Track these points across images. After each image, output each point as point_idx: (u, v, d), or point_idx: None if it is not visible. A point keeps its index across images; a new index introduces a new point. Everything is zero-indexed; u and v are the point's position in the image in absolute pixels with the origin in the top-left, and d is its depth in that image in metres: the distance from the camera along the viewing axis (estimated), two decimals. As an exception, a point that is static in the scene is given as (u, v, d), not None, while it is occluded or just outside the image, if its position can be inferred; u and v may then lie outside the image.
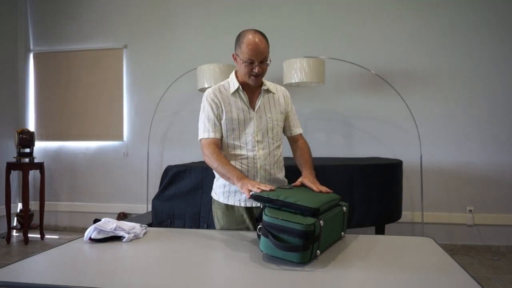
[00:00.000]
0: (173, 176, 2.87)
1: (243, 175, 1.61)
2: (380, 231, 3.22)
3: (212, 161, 1.69)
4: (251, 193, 1.47)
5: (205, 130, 1.75)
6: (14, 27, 4.77)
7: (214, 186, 1.89)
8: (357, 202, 2.83)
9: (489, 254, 3.74)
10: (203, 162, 3.41)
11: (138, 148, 4.58)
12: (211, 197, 1.90)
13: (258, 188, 1.47)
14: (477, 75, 3.95)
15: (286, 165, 1.93)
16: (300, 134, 1.93)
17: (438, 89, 4.00)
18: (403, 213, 3.25)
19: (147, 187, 4.41)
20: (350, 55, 3.98)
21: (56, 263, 1.34)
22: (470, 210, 3.93)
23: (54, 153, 4.82)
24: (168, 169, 2.90)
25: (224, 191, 1.81)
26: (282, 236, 1.29)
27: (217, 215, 1.84)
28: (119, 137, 4.64)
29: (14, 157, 4.33)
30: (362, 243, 1.51)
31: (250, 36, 1.65)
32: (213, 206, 1.89)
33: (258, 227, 1.36)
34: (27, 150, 4.37)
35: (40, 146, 4.74)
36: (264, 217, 1.34)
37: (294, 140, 1.92)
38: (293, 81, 3.54)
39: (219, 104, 1.74)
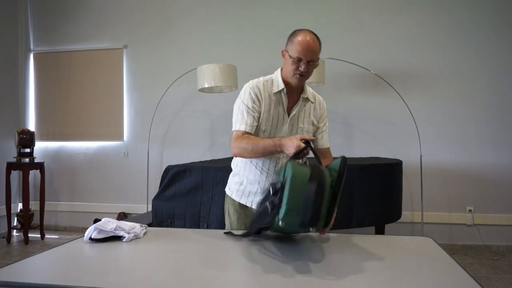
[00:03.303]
0: (173, 176, 2.87)
1: (278, 139, 1.52)
2: (380, 231, 3.22)
3: (245, 146, 1.58)
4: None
5: (242, 122, 1.64)
6: (14, 27, 4.77)
7: (229, 181, 1.86)
8: (357, 202, 2.83)
9: (489, 254, 3.74)
10: (203, 162, 3.45)
11: (138, 148, 4.57)
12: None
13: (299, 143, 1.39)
14: (477, 75, 3.95)
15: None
16: (328, 148, 1.85)
17: (438, 89, 4.00)
18: (403, 213, 3.26)
19: (147, 187, 4.41)
20: (350, 55, 3.98)
21: (56, 263, 1.34)
22: (470, 210, 3.93)
23: (54, 153, 4.82)
24: (168, 169, 2.90)
25: (238, 189, 1.78)
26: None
27: (229, 211, 1.83)
28: (119, 137, 4.64)
29: (14, 157, 4.33)
30: (362, 243, 1.51)
31: (304, 34, 1.60)
32: (225, 200, 1.87)
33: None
34: (27, 150, 4.37)
35: (40, 146, 4.74)
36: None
37: (321, 152, 1.76)
38: (293, 81, 3.54)
39: (261, 100, 1.66)
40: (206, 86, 3.71)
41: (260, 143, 1.55)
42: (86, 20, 4.75)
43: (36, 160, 4.43)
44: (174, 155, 4.44)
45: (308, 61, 1.59)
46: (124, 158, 4.64)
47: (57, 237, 4.49)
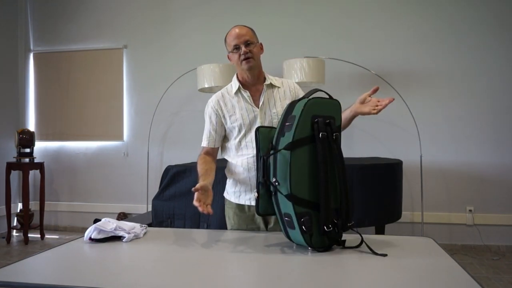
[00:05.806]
0: (173, 176, 2.87)
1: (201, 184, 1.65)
2: (380, 231, 3.22)
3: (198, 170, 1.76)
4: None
5: (203, 139, 1.84)
6: (14, 27, 4.77)
7: (226, 186, 1.91)
8: (357, 202, 2.83)
9: (489, 254, 3.74)
10: (203, 162, 3.43)
11: (138, 148, 4.57)
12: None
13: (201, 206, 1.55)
14: (477, 75, 3.94)
15: None
16: None
17: (438, 89, 4.00)
18: (403, 213, 3.25)
19: (147, 187, 4.41)
20: (350, 55, 3.98)
21: (56, 263, 1.34)
22: (470, 210, 3.93)
23: (54, 153, 4.82)
24: (168, 169, 2.90)
25: (235, 191, 1.82)
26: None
27: (229, 215, 1.86)
28: (119, 137, 4.64)
29: (14, 157, 4.33)
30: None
31: (231, 29, 1.73)
32: (225, 205, 1.90)
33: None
34: (27, 150, 4.37)
35: (40, 146, 4.73)
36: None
37: None
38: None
39: (220, 111, 1.77)
40: (206, 86, 3.71)
41: (198, 176, 1.72)
42: (86, 20, 4.75)
43: (36, 160, 4.43)
44: (174, 155, 4.44)
45: (244, 43, 1.67)
46: (124, 158, 4.64)
47: (57, 237, 4.49)
